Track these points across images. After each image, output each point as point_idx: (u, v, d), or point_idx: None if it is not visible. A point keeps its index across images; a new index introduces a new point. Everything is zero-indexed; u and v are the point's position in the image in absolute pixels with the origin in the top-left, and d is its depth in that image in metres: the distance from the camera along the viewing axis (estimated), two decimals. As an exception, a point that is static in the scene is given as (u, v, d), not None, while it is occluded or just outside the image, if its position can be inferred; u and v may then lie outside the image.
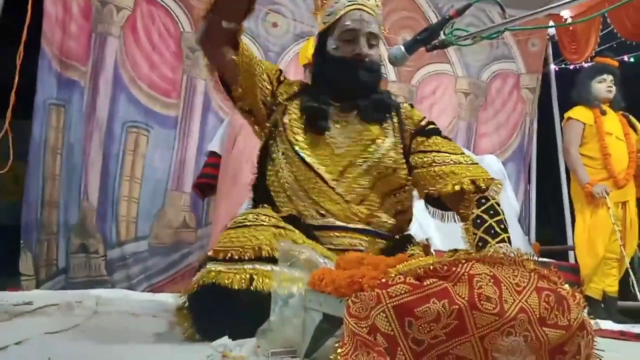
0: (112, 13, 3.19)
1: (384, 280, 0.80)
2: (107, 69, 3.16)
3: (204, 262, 1.23)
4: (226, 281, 1.13)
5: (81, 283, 2.95)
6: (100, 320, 1.40)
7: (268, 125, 1.51)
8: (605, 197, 2.88)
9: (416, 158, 1.46)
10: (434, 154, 1.44)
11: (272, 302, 1.01)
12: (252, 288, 1.11)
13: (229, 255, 1.17)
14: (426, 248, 1.18)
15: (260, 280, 1.11)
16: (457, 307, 0.78)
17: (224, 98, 1.54)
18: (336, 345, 0.82)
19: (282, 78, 1.55)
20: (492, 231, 1.26)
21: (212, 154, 2.96)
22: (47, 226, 3.01)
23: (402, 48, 1.40)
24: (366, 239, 1.40)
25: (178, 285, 3.13)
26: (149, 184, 3.21)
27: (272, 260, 1.14)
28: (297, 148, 1.43)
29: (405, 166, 1.46)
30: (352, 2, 1.50)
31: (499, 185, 1.38)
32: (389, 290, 0.78)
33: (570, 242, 3.68)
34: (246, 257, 1.16)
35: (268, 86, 1.51)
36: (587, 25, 3.72)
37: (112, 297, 1.86)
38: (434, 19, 3.82)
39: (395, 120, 1.51)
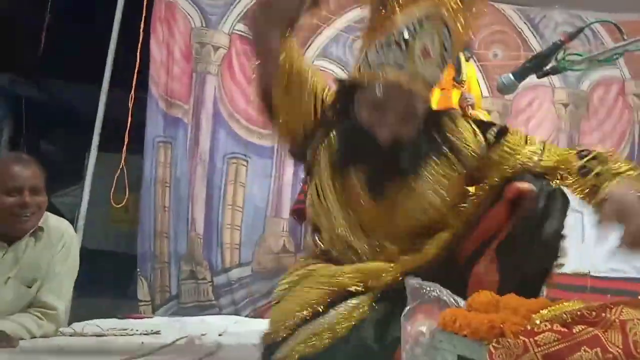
0: (210, 53, 3.40)
1: (528, 326, 0.80)
2: (207, 105, 3.37)
3: None
4: None
5: (191, 308, 3.14)
6: (229, 353, 1.48)
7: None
8: None
9: None
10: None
11: (402, 341, 1.02)
12: None
13: None
14: None
15: None
16: (611, 355, 0.76)
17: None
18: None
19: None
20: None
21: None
22: (160, 255, 3.23)
23: (512, 76, 1.37)
24: None
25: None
26: (249, 212, 3.36)
27: None
28: None
29: None
30: (397, 64, 1.17)
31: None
32: (536, 338, 0.77)
33: (694, 259, 3.36)
34: None
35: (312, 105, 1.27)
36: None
37: (225, 324, 1.97)
38: (526, 31, 3.71)
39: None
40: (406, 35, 1.17)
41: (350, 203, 1.26)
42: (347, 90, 1.28)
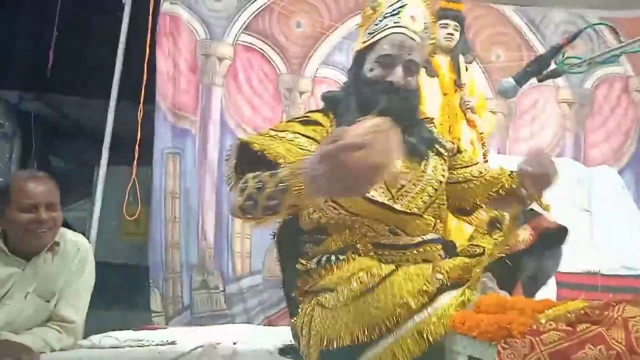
0: (215, 64, 3.45)
1: (534, 326, 0.82)
2: (214, 116, 3.41)
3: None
4: None
5: (204, 317, 3.16)
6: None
7: None
8: None
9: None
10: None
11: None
12: None
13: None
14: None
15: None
16: (614, 352, 0.78)
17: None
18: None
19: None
20: None
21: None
22: (171, 266, 3.26)
23: (513, 81, 1.40)
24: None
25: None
26: (259, 220, 3.38)
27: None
28: None
29: None
30: (396, 24, 1.44)
31: None
32: (542, 337, 0.79)
33: None
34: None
35: None
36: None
37: (237, 333, 2.00)
38: (527, 32, 3.73)
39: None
40: (397, 6, 1.46)
41: None
42: (357, 60, 1.50)
